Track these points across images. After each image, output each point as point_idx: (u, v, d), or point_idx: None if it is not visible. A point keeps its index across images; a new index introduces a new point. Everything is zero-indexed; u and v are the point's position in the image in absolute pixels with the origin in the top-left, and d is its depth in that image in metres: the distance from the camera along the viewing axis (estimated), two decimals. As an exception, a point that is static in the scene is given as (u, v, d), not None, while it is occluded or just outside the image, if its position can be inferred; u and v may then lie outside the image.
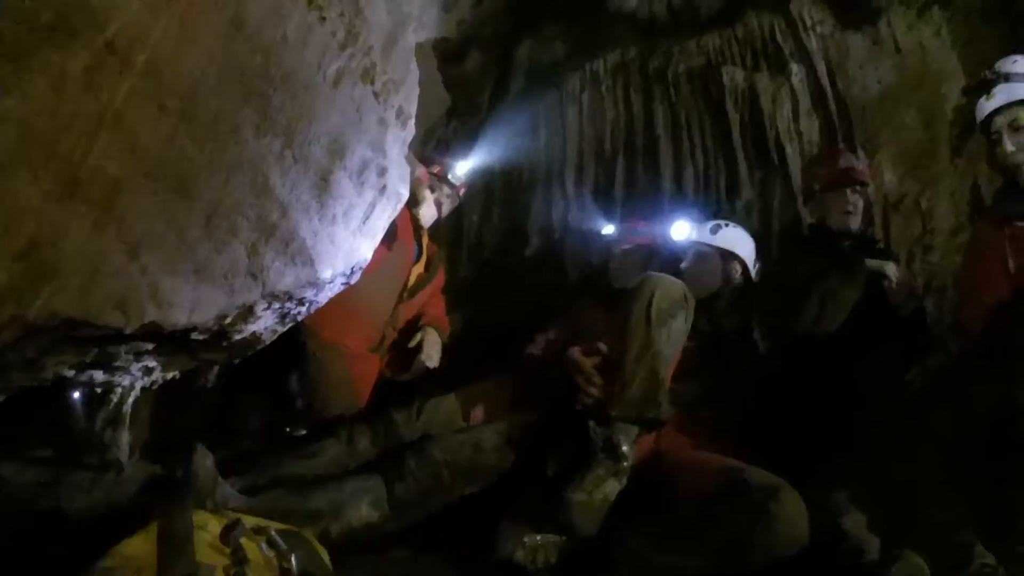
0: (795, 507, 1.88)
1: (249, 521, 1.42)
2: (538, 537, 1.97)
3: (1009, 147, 2.12)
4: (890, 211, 3.51)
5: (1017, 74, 2.13)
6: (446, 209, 3.39)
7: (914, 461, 1.96)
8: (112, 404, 1.70)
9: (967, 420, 1.96)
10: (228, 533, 1.32)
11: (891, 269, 2.56)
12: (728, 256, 3.04)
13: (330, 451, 2.59)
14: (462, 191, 3.48)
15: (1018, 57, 2.21)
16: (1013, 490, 1.81)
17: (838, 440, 2.28)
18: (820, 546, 1.87)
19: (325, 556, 1.52)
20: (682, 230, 3.44)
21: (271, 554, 1.36)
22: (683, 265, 3.04)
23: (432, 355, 3.11)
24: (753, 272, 3.12)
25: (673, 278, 2.35)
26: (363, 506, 2.04)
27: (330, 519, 1.95)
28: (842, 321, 2.59)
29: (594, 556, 1.95)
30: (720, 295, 2.82)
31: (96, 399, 1.75)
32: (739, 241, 3.09)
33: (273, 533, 1.41)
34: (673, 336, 2.23)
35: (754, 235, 3.25)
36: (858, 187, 2.90)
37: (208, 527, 1.32)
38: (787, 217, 3.90)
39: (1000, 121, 2.14)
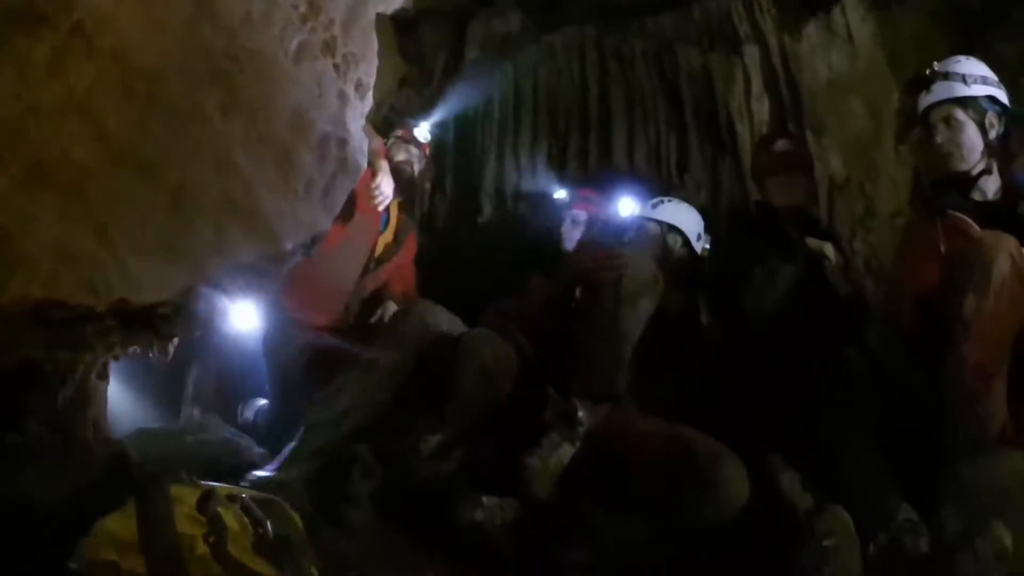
0: (737, 473, 2.00)
1: (222, 490, 1.46)
2: (496, 499, 2.06)
3: (939, 139, 2.23)
4: (835, 192, 3.64)
5: (956, 73, 2.24)
6: (418, 168, 3.42)
7: (846, 430, 2.09)
8: (76, 382, 1.69)
9: (897, 399, 2.09)
10: (205, 503, 1.36)
11: (829, 249, 2.68)
12: (669, 229, 3.13)
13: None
14: (427, 149, 3.53)
15: (961, 57, 2.31)
16: (939, 467, 1.94)
17: (777, 408, 2.40)
18: (758, 503, 1.99)
19: (298, 521, 1.57)
20: (627, 205, 3.54)
21: (246, 520, 1.40)
22: (625, 238, 3.12)
23: None
24: (697, 246, 3.21)
25: (644, 258, 2.41)
26: None
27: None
28: (782, 297, 2.70)
29: (550, 524, 2.03)
30: (662, 270, 2.91)
31: (57, 377, 1.74)
32: (680, 214, 3.19)
33: (247, 499, 1.45)
34: (639, 316, 2.30)
35: (701, 211, 3.34)
36: (801, 171, 3.02)
37: (184, 499, 1.35)
38: (735, 195, 3.99)
39: (935, 115, 2.25)
